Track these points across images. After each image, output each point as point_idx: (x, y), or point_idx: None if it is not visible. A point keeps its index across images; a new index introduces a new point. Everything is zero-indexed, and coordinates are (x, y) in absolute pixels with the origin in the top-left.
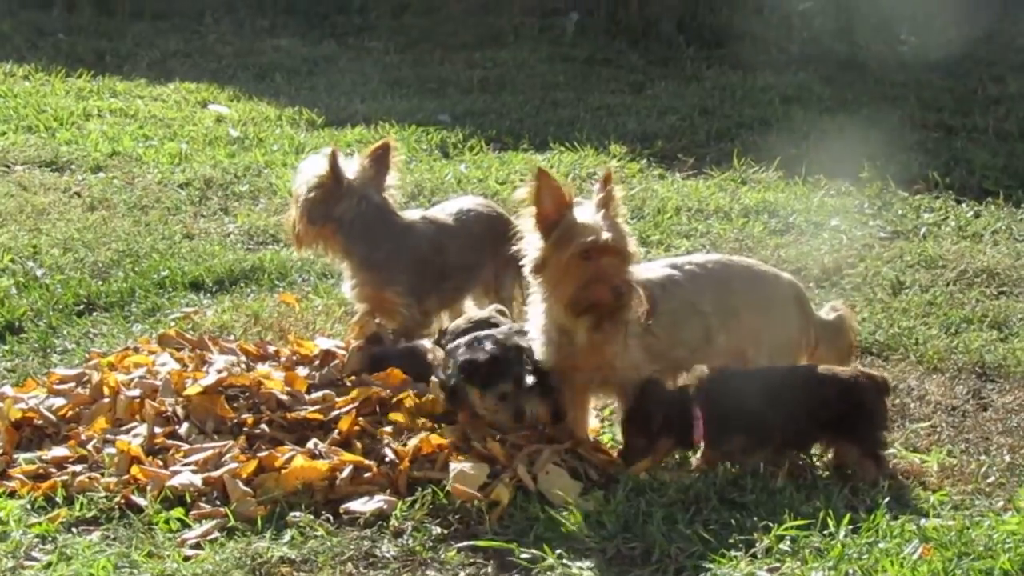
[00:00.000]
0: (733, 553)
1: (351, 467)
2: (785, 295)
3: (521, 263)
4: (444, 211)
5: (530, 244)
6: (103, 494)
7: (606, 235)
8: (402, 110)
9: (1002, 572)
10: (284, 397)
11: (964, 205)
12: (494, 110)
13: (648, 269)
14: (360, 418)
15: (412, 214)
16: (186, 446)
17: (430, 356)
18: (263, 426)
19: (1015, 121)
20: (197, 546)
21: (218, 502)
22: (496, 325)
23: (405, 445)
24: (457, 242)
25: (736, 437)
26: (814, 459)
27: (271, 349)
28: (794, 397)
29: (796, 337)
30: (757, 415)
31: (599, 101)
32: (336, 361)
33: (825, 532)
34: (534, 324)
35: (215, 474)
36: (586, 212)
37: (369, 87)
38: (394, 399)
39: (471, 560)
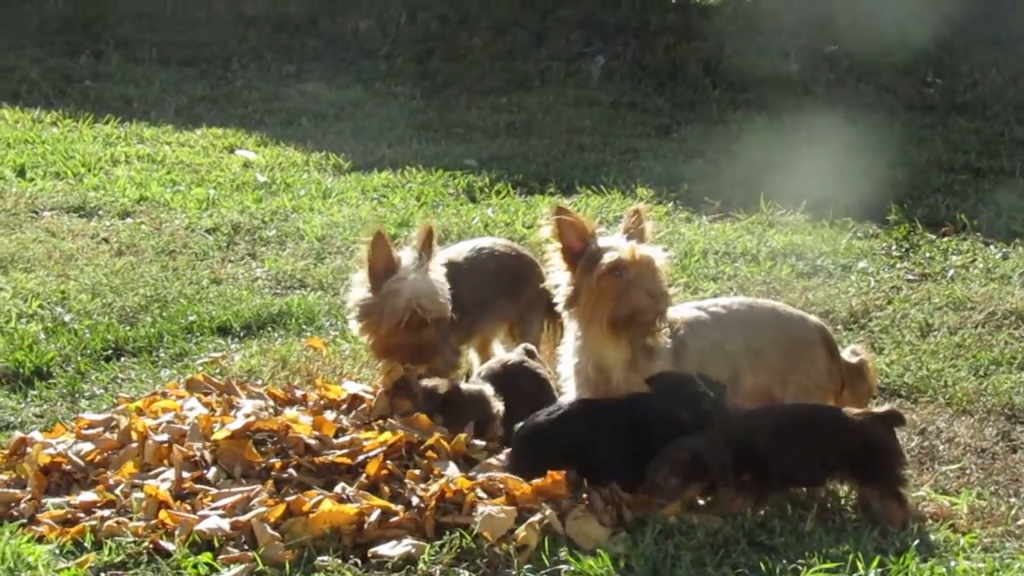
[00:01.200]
0: None
1: (379, 511)
2: (812, 337)
3: (552, 303)
4: (458, 250)
5: (560, 280)
6: (131, 539)
7: (631, 247)
8: (429, 154)
9: None
10: (312, 441)
11: (992, 247)
12: (520, 154)
13: (676, 310)
14: (388, 462)
15: None
16: (214, 490)
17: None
18: (291, 470)
19: None
20: None
21: (246, 546)
22: (529, 368)
23: (428, 490)
24: (470, 279)
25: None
26: (842, 501)
27: (299, 393)
28: (802, 435)
29: (823, 380)
30: (763, 452)
31: (625, 145)
32: (364, 405)
33: (855, 575)
34: (568, 364)
35: (243, 518)
36: (609, 238)
37: (396, 132)
38: (422, 443)
39: None
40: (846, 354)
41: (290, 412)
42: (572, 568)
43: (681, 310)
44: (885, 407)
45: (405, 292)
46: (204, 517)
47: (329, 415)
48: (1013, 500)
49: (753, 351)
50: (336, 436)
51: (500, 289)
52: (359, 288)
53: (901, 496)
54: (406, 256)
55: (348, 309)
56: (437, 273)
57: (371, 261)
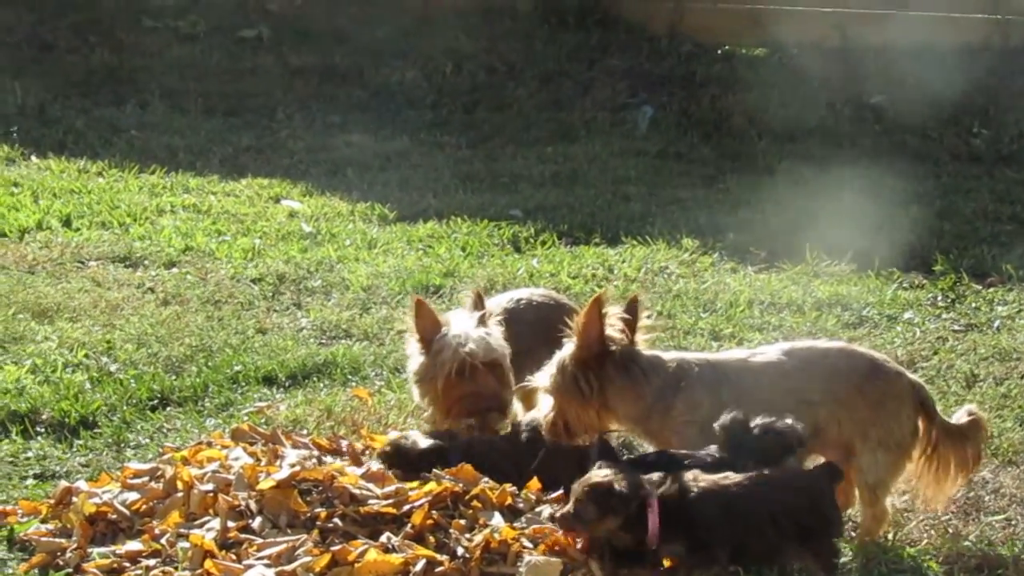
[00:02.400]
0: None
1: (424, 561)
2: (903, 393)
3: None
4: (496, 301)
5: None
6: None
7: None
8: (474, 205)
9: None
10: (357, 491)
11: None
12: (566, 204)
13: (757, 353)
14: (433, 512)
15: None
16: (259, 540)
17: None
18: (336, 520)
19: None
20: None
21: None
22: None
23: (472, 540)
24: (510, 329)
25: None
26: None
27: (344, 443)
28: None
29: (906, 438)
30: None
31: (671, 195)
32: None
33: None
34: None
35: (288, 568)
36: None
37: (441, 182)
38: (467, 493)
39: None
40: (959, 414)
41: (337, 462)
42: None
43: (767, 352)
44: (823, 461)
45: (451, 343)
46: (249, 567)
47: (374, 465)
48: None
49: (839, 401)
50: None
51: (539, 339)
52: (416, 357)
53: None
54: (454, 316)
55: (410, 380)
56: (488, 326)
57: (418, 328)
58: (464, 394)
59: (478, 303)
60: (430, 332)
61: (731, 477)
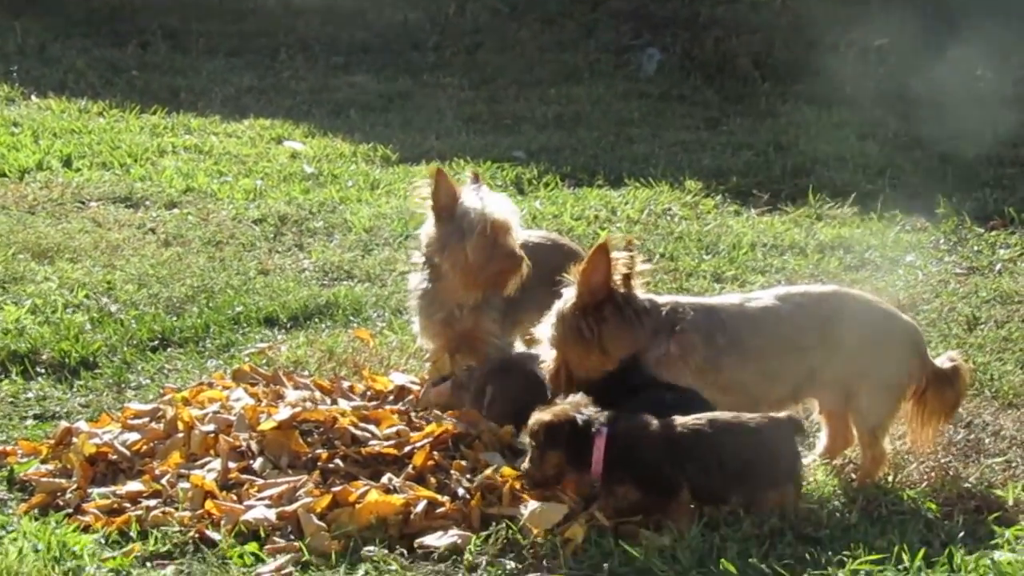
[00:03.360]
0: None
1: (425, 502)
2: (898, 335)
3: None
4: None
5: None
6: (177, 529)
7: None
8: (477, 146)
9: None
10: (358, 432)
11: None
12: (569, 146)
13: (752, 299)
14: (434, 453)
15: None
16: (260, 481)
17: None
18: (337, 461)
19: None
20: None
21: (292, 537)
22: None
23: (473, 481)
24: None
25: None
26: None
27: (345, 385)
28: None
29: (904, 379)
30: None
31: (674, 137)
32: (411, 396)
33: (900, 567)
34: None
35: (289, 509)
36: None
37: (444, 123)
38: (468, 434)
39: None
40: (942, 359)
41: (343, 404)
42: (618, 560)
43: (760, 297)
44: (785, 413)
45: (476, 206)
46: (250, 507)
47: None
48: None
49: (832, 346)
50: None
51: (538, 278)
52: (431, 229)
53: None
54: (466, 189)
55: (425, 251)
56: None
57: (437, 199)
58: (493, 255)
59: (477, 178)
60: (450, 202)
61: (682, 418)
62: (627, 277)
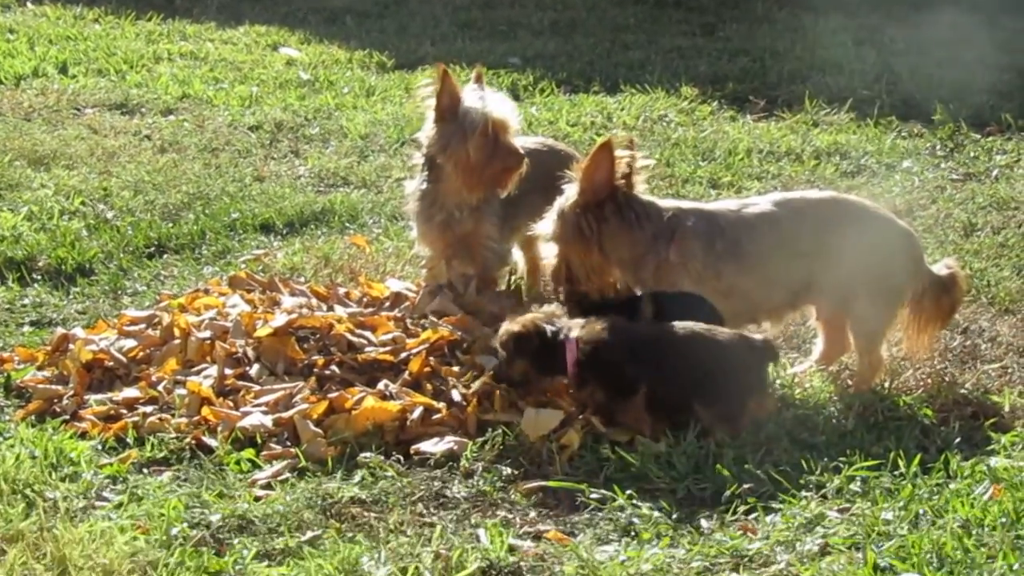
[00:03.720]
0: (803, 493)
1: (421, 408)
2: (895, 241)
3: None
4: None
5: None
6: (174, 435)
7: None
8: (472, 52)
9: None
10: (354, 339)
11: None
12: (565, 52)
13: (750, 204)
14: (430, 359)
15: None
16: (256, 387)
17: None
18: (333, 367)
19: None
20: (267, 487)
21: (288, 443)
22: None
23: (469, 388)
24: None
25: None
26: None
27: (341, 291)
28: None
29: (901, 286)
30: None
31: (670, 43)
32: (407, 303)
33: (896, 473)
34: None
35: (285, 415)
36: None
37: (439, 29)
38: (464, 341)
39: (542, 500)
40: (939, 266)
41: (339, 311)
42: (614, 467)
43: (758, 203)
44: (760, 336)
45: (479, 106)
46: (246, 414)
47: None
48: None
49: (830, 252)
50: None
51: (534, 184)
52: (432, 129)
53: (735, 420)
54: (467, 89)
55: (425, 152)
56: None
57: (439, 98)
58: (494, 154)
59: (479, 78)
60: (452, 103)
61: (649, 326)
62: (628, 176)
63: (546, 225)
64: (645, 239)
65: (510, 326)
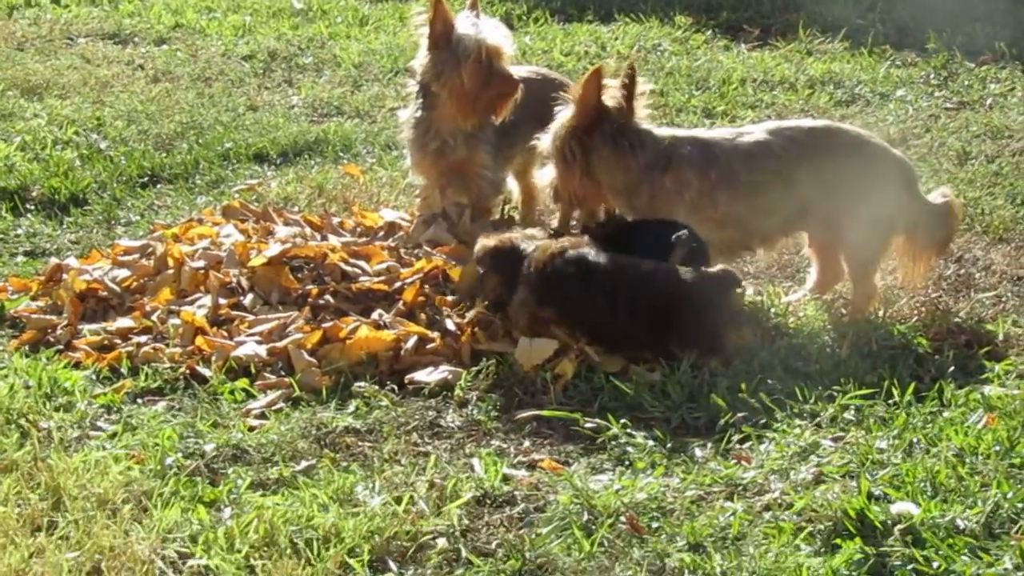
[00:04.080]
0: (798, 422)
1: (416, 338)
2: (889, 169)
3: None
4: None
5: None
6: (168, 365)
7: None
8: None
9: None
10: (348, 268)
11: None
12: None
13: (744, 133)
14: (424, 288)
15: None
16: (251, 317)
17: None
18: (327, 297)
19: None
20: (262, 416)
21: (283, 372)
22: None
23: (463, 317)
24: None
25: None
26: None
27: (335, 221)
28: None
29: (895, 214)
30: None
31: None
32: (401, 233)
33: (889, 401)
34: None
35: (280, 345)
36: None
37: None
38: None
39: (536, 430)
40: (934, 195)
41: (333, 240)
42: (608, 396)
43: (753, 132)
44: (719, 267)
45: (472, 32)
46: (240, 343)
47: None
48: None
49: (824, 180)
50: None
51: (527, 113)
52: (426, 57)
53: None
54: (461, 16)
55: (420, 79)
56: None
57: (432, 25)
58: (489, 80)
59: (474, 5)
60: (446, 30)
61: (606, 254)
62: (627, 101)
63: (545, 140)
64: (639, 167)
65: (486, 241)
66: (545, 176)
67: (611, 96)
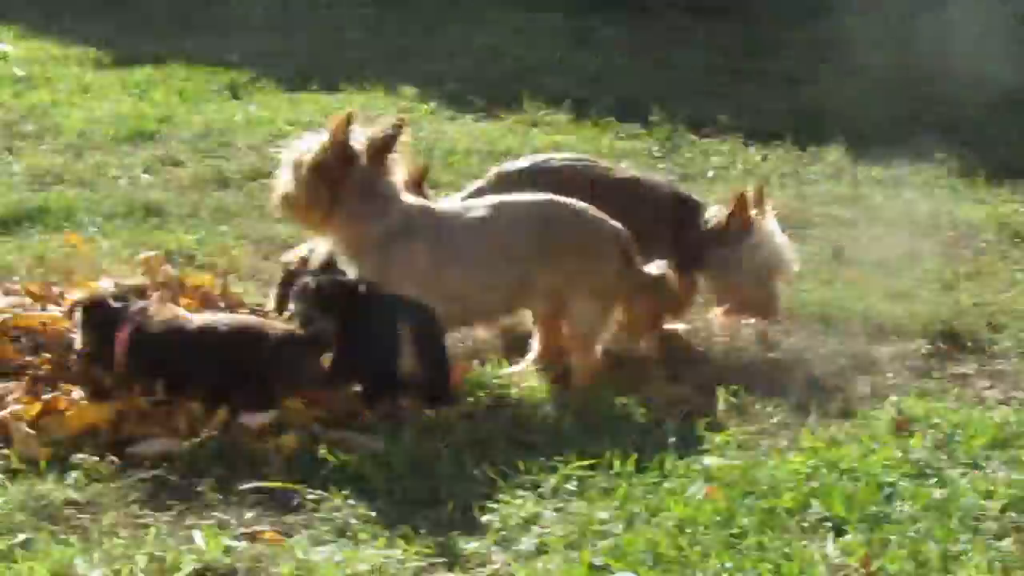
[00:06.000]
0: (520, 493)
1: (137, 409)
2: (607, 240)
3: None
4: None
5: None
6: None
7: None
8: (191, 50)
9: (785, 510)
10: (71, 338)
11: (752, 148)
12: (284, 51)
13: (468, 208)
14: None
15: None
16: None
17: None
18: (47, 367)
19: (800, 65)
20: None
21: (1, 444)
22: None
23: None
24: None
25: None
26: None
27: (56, 290)
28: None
29: (612, 283)
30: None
31: (391, 43)
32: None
33: (611, 472)
34: None
35: None
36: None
37: (158, 25)
38: None
39: (258, 501)
40: (650, 267)
41: (52, 310)
42: (331, 466)
43: (476, 207)
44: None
45: None
46: None
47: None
48: (767, 398)
49: (547, 253)
50: None
51: None
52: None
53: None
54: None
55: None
56: None
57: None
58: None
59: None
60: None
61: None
62: (378, 152)
63: (288, 154)
64: (375, 235)
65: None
66: (282, 183)
67: (359, 143)
